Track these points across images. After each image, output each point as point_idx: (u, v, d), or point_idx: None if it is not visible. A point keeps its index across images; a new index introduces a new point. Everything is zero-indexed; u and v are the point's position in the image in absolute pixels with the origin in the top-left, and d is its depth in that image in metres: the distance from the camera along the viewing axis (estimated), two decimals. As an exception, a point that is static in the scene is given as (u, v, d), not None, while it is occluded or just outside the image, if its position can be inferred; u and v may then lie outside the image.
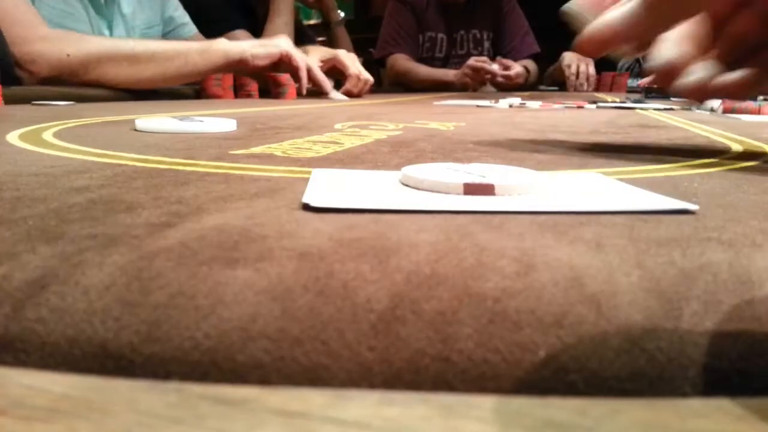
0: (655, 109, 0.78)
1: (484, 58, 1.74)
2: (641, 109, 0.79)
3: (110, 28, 1.08)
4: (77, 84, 0.87)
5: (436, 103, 0.87)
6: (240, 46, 0.99)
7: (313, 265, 0.12)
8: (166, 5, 1.23)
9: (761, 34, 0.25)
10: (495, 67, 1.71)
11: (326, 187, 0.19)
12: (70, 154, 0.28)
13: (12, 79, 0.77)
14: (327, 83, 1.10)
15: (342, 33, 1.80)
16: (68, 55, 0.85)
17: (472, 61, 1.71)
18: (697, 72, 0.26)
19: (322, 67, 1.12)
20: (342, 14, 1.85)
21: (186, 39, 1.17)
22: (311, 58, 1.10)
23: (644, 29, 0.24)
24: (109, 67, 0.89)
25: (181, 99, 0.98)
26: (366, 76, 1.20)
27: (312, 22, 2.04)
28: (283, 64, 1.02)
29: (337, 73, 1.21)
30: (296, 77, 1.03)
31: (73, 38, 0.88)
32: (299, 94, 1.05)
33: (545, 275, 0.12)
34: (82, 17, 1.04)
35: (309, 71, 1.04)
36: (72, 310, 0.11)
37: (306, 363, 0.10)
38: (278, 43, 1.02)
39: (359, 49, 1.86)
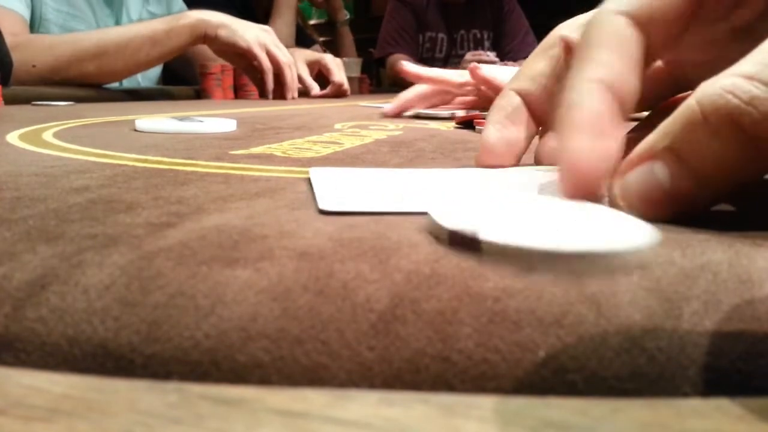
0: None
1: (480, 51, 1.74)
2: None
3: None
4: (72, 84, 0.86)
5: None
6: (209, 23, 0.95)
7: (313, 265, 0.12)
8: (171, 4, 1.22)
9: None
10: (491, 54, 1.71)
11: (336, 189, 0.18)
12: (70, 155, 0.28)
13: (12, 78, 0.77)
14: (311, 84, 1.08)
15: (346, 33, 1.81)
16: (34, 66, 0.84)
17: (469, 56, 1.71)
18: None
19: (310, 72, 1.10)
20: (347, 14, 1.86)
21: None
22: (298, 59, 1.07)
23: None
24: (79, 68, 0.87)
25: (181, 99, 0.98)
26: (346, 86, 1.19)
27: (313, 22, 2.05)
28: (249, 60, 0.98)
29: (321, 76, 1.20)
30: (260, 79, 1.00)
31: (38, 45, 0.85)
32: (262, 96, 1.01)
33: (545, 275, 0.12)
34: (88, 18, 1.03)
35: (283, 72, 1.00)
36: (72, 310, 0.11)
37: (306, 363, 0.10)
38: (247, 38, 0.96)
39: (359, 49, 1.86)
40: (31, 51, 0.84)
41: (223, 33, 0.95)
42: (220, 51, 0.99)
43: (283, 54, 1.01)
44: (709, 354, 0.10)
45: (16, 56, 0.78)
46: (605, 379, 0.10)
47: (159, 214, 0.16)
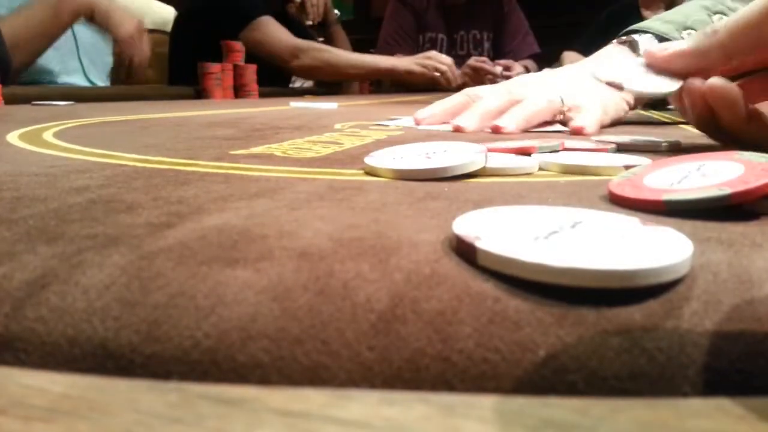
0: (654, 109, 0.78)
1: (484, 59, 1.74)
2: (641, 109, 0.79)
3: None
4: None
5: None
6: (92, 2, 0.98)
7: (313, 265, 0.12)
8: None
9: None
10: (498, 69, 1.71)
11: None
12: (70, 154, 0.28)
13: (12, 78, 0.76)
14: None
15: (339, 32, 1.80)
16: None
17: (473, 60, 1.71)
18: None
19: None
20: (337, 13, 1.84)
21: None
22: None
23: None
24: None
25: (181, 99, 0.98)
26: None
27: (310, 22, 2.05)
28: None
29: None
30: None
31: None
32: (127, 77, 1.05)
33: (545, 275, 0.12)
34: None
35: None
36: (72, 310, 0.11)
37: (306, 363, 0.10)
38: (120, 31, 1.01)
39: (359, 50, 1.86)
40: None
41: (97, 18, 1.00)
42: (96, 26, 1.03)
43: (146, 43, 1.06)
44: (709, 354, 0.10)
45: None
46: (605, 379, 0.10)
47: (159, 214, 0.16)
